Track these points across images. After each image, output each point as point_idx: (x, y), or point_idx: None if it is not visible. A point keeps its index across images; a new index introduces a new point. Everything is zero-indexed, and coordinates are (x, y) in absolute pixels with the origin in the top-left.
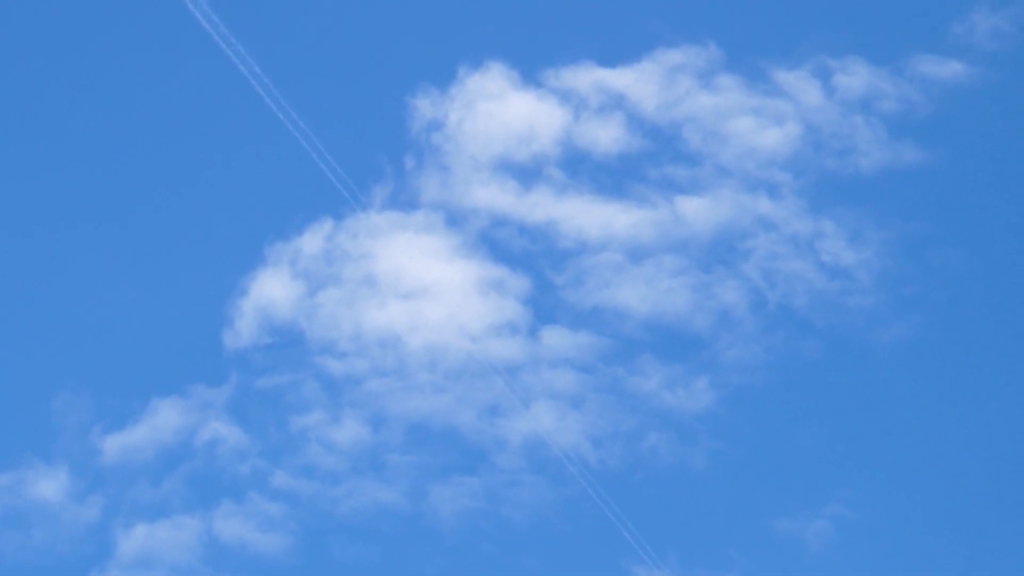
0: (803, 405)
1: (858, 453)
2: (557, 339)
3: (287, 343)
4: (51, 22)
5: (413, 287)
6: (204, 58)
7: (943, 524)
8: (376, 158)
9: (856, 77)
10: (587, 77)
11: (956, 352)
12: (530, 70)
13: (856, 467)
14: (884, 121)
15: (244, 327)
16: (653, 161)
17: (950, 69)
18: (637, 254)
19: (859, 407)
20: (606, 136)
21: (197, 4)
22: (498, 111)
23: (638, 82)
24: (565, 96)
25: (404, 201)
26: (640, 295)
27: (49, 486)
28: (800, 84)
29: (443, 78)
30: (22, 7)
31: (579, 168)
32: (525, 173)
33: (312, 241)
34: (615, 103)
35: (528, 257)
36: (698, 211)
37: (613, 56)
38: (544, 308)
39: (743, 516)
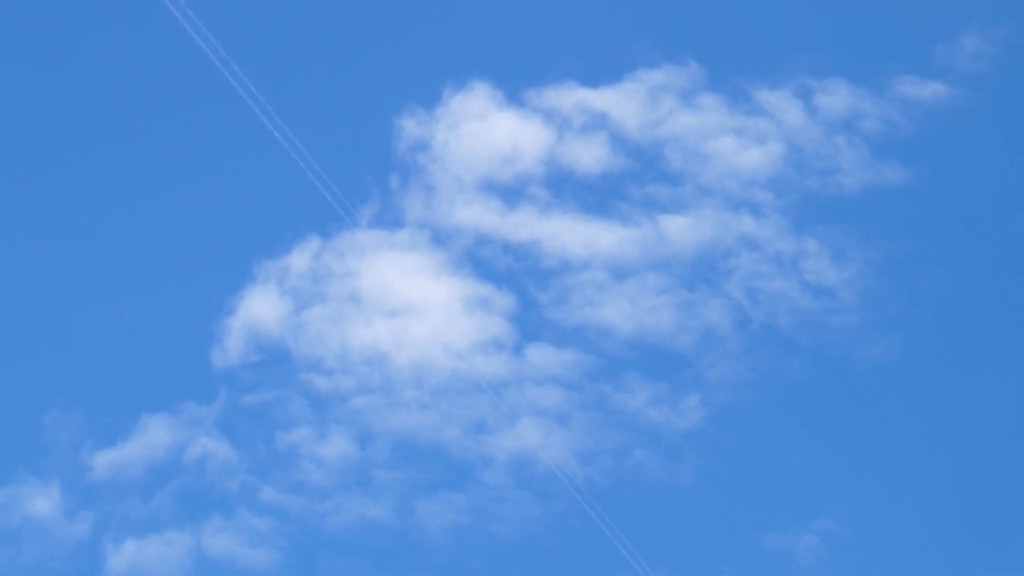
0: (789, 422)
1: (844, 469)
2: (542, 356)
3: (274, 360)
4: (43, 40)
5: (399, 305)
6: (198, 75)
7: (930, 538)
8: (362, 177)
9: (838, 97)
10: (570, 97)
11: (939, 369)
12: (514, 90)
13: (843, 482)
14: (866, 141)
15: (232, 345)
16: (636, 180)
17: (931, 90)
18: (620, 272)
19: (844, 424)
20: (589, 155)
21: (192, 23)
22: (482, 131)
23: (621, 102)
24: (548, 116)
25: (390, 220)
26: (624, 313)
27: (40, 502)
28: (782, 104)
29: (428, 98)
30: (1, 15)
31: (563, 187)
32: (509, 192)
33: (299, 259)
34: (598, 123)
35: (512, 275)
36: (681, 230)
37: (596, 76)
38: (529, 326)
39: (732, 532)
